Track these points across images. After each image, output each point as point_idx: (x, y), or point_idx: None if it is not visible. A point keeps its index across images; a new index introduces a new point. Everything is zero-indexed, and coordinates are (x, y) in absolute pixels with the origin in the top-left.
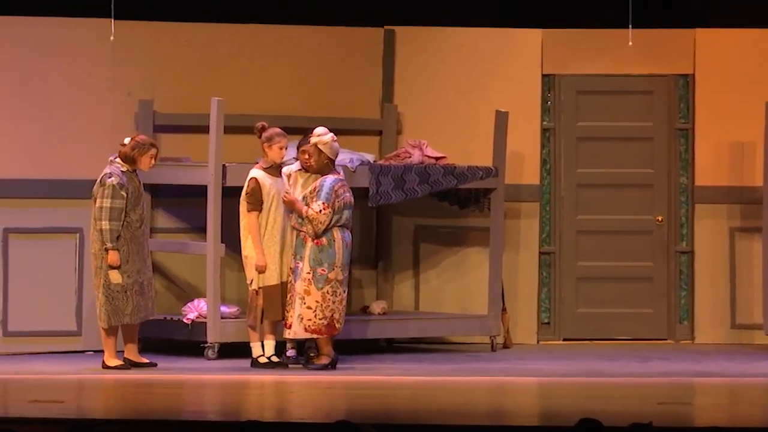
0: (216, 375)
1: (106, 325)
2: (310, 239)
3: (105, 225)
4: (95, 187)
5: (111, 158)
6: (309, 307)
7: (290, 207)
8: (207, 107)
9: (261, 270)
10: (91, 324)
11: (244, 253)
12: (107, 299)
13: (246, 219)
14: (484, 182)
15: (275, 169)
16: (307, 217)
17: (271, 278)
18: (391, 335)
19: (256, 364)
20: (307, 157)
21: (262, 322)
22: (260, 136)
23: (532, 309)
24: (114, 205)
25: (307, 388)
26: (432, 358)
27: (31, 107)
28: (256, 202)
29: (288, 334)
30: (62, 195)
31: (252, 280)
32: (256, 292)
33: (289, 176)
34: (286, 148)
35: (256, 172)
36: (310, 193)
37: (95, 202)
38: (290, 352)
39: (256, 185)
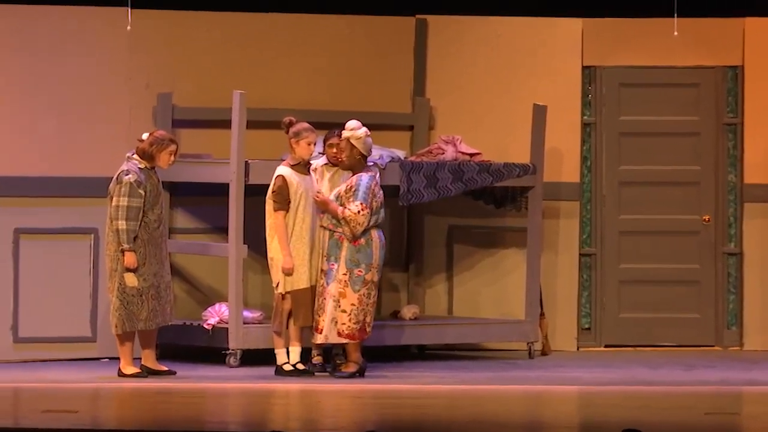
0: (238, 383)
1: (119, 330)
2: (346, 240)
3: (122, 225)
4: (112, 185)
5: (128, 155)
6: (344, 311)
7: (323, 207)
8: (229, 101)
9: (288, 273)
10: (107, 329)
11: (270, 254)
12: (121, 303)
13: (272, 219)
14: (521, 180)
15: (303, 166)
16: (344, 218)
17: (301, 281)
18: (425, 341)
19: (280, 371)
20: (336, 151)
21: (287, 327)
22: (288, 132)
23: (572, 314)
24: (131, 203)
25: (335, 398)
26: (466, 366)
27: (43, 101)
28: (283, 201)
29: (318, 339)
30: (76, 193)
31: (278, 283)
32: (282, 296)
33: (314, 170)
34: (315, 144)
35: (283, 170)
36: (345, 192)
37: (111, 200)
38: (317, 360)
39: (283, 183)
